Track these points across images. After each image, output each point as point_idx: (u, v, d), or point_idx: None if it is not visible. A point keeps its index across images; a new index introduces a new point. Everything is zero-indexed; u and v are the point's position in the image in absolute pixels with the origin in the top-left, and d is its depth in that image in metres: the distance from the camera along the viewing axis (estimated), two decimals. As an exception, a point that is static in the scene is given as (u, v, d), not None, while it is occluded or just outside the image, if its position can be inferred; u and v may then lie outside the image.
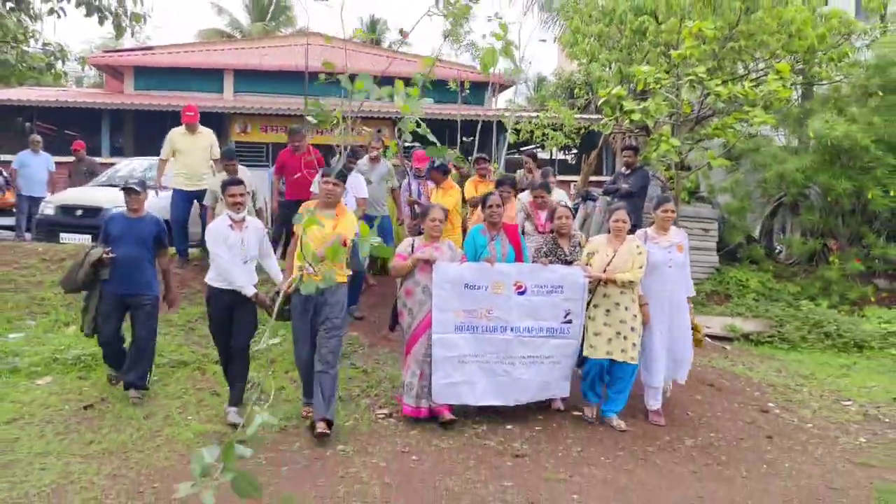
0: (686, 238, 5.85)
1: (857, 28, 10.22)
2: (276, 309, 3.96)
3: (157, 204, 7.31)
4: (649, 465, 4.89)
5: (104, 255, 5.34)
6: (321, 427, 4.89)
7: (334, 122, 5.14)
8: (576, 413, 5.67)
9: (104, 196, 9.05)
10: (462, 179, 9.28)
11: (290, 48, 20.63)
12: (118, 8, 10.60)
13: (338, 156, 7.33)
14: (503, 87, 20.04)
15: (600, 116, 9.45)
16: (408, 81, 4.11)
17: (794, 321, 8.80)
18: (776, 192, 11.12)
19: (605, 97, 8.28)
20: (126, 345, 5.67)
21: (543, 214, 6.49)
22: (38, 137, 11.23)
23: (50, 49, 11.71)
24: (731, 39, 9.29)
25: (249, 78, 20.01)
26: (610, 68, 10.58)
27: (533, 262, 5.69)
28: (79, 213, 9.09)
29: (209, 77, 19.90)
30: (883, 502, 4.41)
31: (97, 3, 10.42)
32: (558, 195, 7.49)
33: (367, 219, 6.89)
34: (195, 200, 8.20)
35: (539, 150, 14.33)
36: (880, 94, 9.73)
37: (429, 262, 5.30)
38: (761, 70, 9.78)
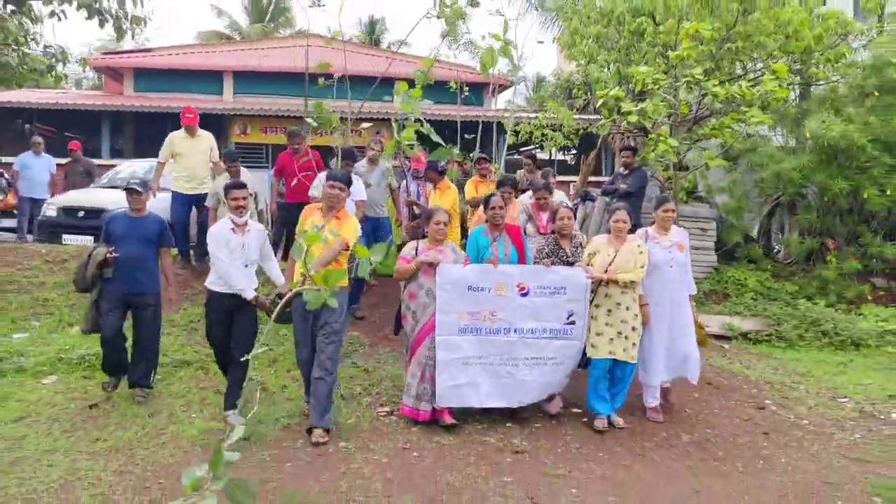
0: (687, 237, 5.88)
1: (855, 28, 10.30)
2: (276, 312, 4.00)
3: (156, 206, 7.35)
4: (647, 461, 4.96)
5: (108, 255, 5.37)
6: (316, 436, 4.91)
7: (334, 124, 5.21)
8: (574, 410, 5.73)
9: (106, 197, 9.12)
10: (465, 176, 9.35)
11: (289, 49, 20.69)
12: (119, 11, 10.68)
13: (336, 158, 7.36)
14: (502, 88, 20.12)
15: (599, 117, 9.52)
16: (410, 83, 4.18)
17: (791, 320, 8.85)
18: (773, 191, 11.18)
19: (602, 98, 8.36)
20: (127, 344, 5.67)
21: (545, 216, 6.52)
22: (40, 139, 11.30)
23: (51, 51, 11.81)
24: (729, 40, 9.37)
25: (249, 79, 20.09)
26: (608, 69, 10.65)
27: (535, 263, 5.71)
28: (81, 214, 9.17)
29: (209, 79, 19.97)
30: (876, 496, 4.48)
31: (98, 6, 10.51)
32: (558, 196, 7.53)
33: (367, 221, 6.98)
34: (194, 205, 8.21)
35: (538, 150, 14.41)
36: (876, 94, 9.80)
37: (432, 265, 5.31)
38: (759, 70, 9.85)
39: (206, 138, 8.28)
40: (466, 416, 5.47)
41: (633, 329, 5.44)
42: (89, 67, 19.25)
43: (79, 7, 10.37)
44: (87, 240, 8.65)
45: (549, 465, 4.80)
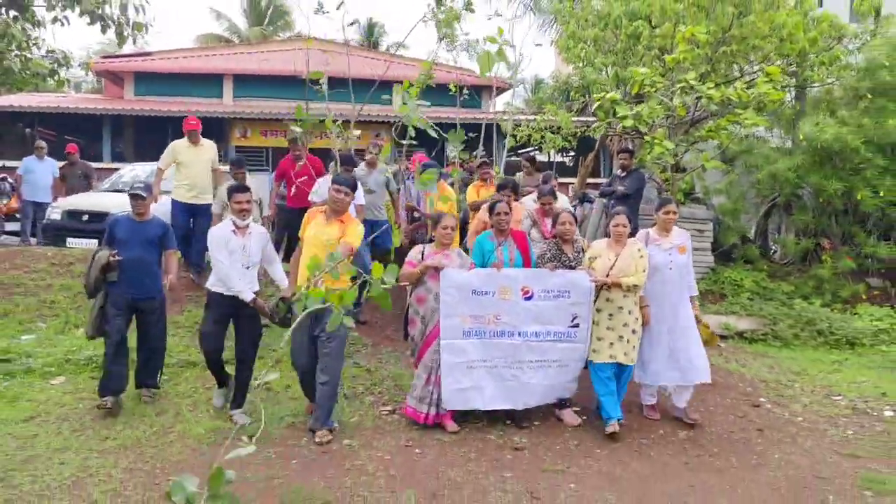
0: (689, 239, 5.89)
1: (849, 32, 10.44)
2: (275, 314, 4.12)
3: (158, 210, 7.38)
4: (643, 457, 5.08)
5: (111, 259, 5.36)
6: (320, 436, 5.01)
7: (322, 128, 5.29)
8: (573, 409, 5.84)
9: (110, 201, 9.23)
10: (469, 174, 9.45)
11: (289, 53, 20.82)
12: (120, 17, 10.81)
13: (334, 162, 7.45)
14: (501, 90, 20.25)
15: (596, 119, 9.63)
16: (410, 85, 4.29)
17: (787, 319, 8.97)
18: (770, 192, 11.32)
19: (599, 101, 8.49)
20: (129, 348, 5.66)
21: (550, 221, 6.53)
22: (43, 144, 11.41)
23: (54, 56, 11.93)
24: (724, 43, 9.49)
25: (249, 83, 20.19)
26: (606, 72, 10.78)
27: (537, 267, 5.72)
28: (85, 217, 9.29)
29: (209, 82, 20.07)
30: (867, 490, 4.60)
31: (100, 12, 10.64)
32: (562, 201, 7.55)
33: (366, 224, 7.10)
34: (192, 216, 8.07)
35: (537, 152, 14.53)
36: (869, 96, 9.93)
37: (439, 270, 5.36)
38: (755, 73, 9.98)
39: (209, 147, 8.28)
40: (467, 413, 5.56)
41: (634, 332, 5.48)
42: (92, 72, 19.35)
43: (81, 13, 10.51)
44: (92, 243, 8.77)
45: (548, 461, 4.92)
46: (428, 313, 5.41)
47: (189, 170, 8.03)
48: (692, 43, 8.33)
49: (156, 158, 11.94)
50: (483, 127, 9.79)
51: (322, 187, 7.00)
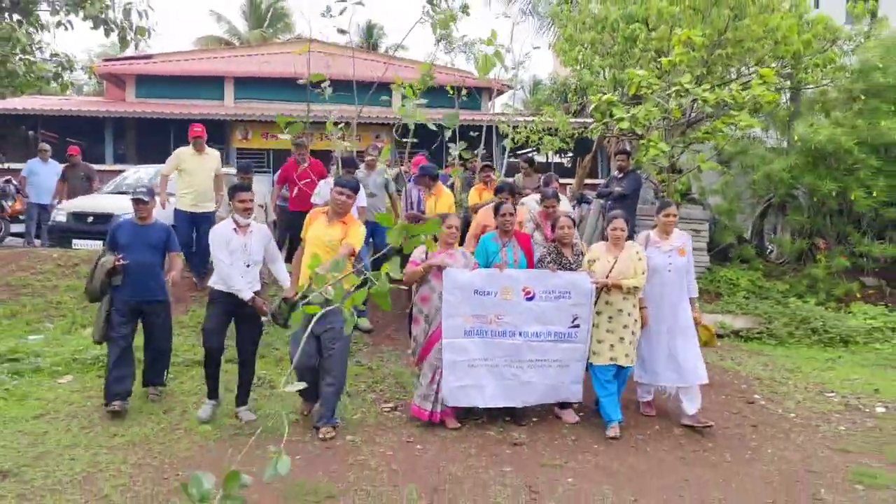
0: (689, 241, 5.92)
1: (843, 34, 10.59)
2: (278, 315, 4.15)
3: (161, 214, 7.43)
4: (640, 452, 5.20)
5: (116, 263, 5.38)
6: (324, 432, 5.12)
7: (321, 129, 5.35)
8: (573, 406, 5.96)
9: (114, 203, 9.36)
10: (471, 174, 9.54)
11: (289, 55, 20.93)
12: (124, 22, 10.91)
13: (336, 165, 7.56)
14: (500, 92, 20.36)
15: (593, 120, 9.75)
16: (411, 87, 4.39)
17: (782, 318, 9.10)
18: (765, 193, 11.46)
19: (596, 102, 8.62)
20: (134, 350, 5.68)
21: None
22: (47, 146, 11.51)
23: (58, 60, 12.03)
24: (720, 46, 9.63)
25: (250, 85, 20.31)
26: (603, 75, 10.90)
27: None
28: (90, 219, 9.41)
29: (210, 84, 20.20)
30: (858, 483, 4.72)
31: (104, 16, 10.75)
32: (564, 205, 7.60)
33: (366, 225, 7.22)
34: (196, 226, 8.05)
35: (535, 153, 14.66)
36: (863, 98, 10.06)
37: (442, 269, 5.42)
38: (750, 74, 10.10)
39: (213, 156, 8.29)
40: (467, 410, 5.67)
41: (633, 333, 5.55)
42: (95, 75, 19.45)
43: (85, 17, 10.62)
44: (96, 244, 8.88)
45: (546, 456, 5.03)
46: (432, 312, 5.49)
47: (192, 178, 8.03)
48: (688, 46, 8.47)
49: (157, 160, 12.02)
50: (484, 129, 9.92)
51: (324, 189, 7.12)
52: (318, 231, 5.27)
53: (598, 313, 5.59)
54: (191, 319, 7.49)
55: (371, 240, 7.55)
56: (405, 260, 5.56)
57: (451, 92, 9.83)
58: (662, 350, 5.72)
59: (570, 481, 4.65)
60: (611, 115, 8.10)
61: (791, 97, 11.60)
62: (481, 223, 6.70)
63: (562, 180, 15.48)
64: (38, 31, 11.72)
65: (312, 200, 7.30)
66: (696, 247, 10.58)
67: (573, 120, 12.05)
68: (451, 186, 9.02)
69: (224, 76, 20.36)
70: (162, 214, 7.10)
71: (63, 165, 11.24)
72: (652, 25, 10.01)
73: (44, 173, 11.05)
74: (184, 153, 8.17)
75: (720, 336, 8.78)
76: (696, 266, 10.45)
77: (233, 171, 11.05)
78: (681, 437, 5.53)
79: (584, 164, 12.87)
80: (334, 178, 6.26)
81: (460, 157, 7.89)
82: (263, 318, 5.55)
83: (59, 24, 11.06)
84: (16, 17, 11.36)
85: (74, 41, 40.95)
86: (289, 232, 8.57)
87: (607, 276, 5.50)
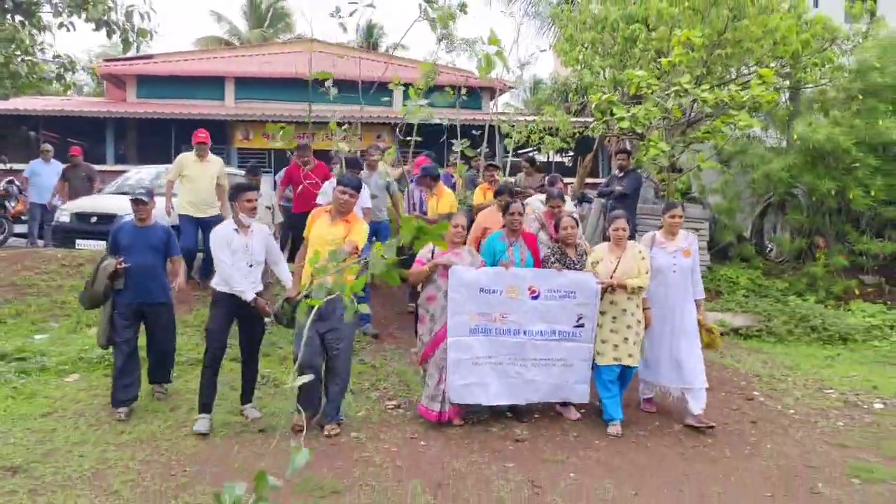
0: (695, 242, 5.94)
1: (841, 34, 10.65)
2: (281, 315, 4.15)
3: (167, 220, 7.46)
4: (640, 448, 5.26)
5: (118, 266, 5.40)
6: (328, 430, 5.18)
7: (299, 132, 5.39)
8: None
9: (117, 204, 9.39)
10: (475, 172, 9.58)
11: (290, 55, 21.02)
12: (126, 24, 10.97)
13: (339, 165, 7.60)
14: (502, 92, 20.44)
15: (594, 120, 9.82)
16: (407, 86, 4.45)
17: (781, 316, 9.16)
18: (764, 192, 11.52)
19: (596, 101, 8.69)
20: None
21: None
22: (50, 147, 11.57)
23: (60, 61, 12.09)
24: (719, 46, 9.70)
25: (250, 85, 20.35)
26: (603, 75, 10.97)
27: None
28: (94, 220, 9.46)
29: (210, 85, 20.23)
30: (855, 478, 4.79)
31: (106, 18, 10.81)
32: (568, 205, 7.62)
33: (371, 226, 7.27)
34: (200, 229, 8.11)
35: (535, 152, 14.72)
36: (860, 97, 10.13)
37: (448, 268, 5.44)
38: (750, 74, 10.17)
39: (215, 163, 8.31)
40: (469, 408, 5.73)
41: (637, 333, 5.58)
42: (97, 75, 19.50)
43: (87, 20, 10.68)
44: (100, 244, 8.93)
45: (548, 452, 5.10)
46: (438, 311, 5.51)
47: (193, 184, 8.07)
48: (687, 46, 8.54)
49: (158, 161, 12.07)
50: (486, 127, 9.96)
51: (329, 190, 7.16)
52: (321, 230, 5.31)
53: (602, 313, 5.62)
54: (195, 319, 7.56)
55: (374, 238, 7.61)
56: (412, 259, 5.61)
57: (451, 92, 9.89)
58: (665, 351, 5.76)
59: (572, 476, 4.71)
60: (611, 114, 8.16)
61: (790, 97, 11.66)
62: (482, 225, 6.73)
63: (563, 180, 15.57)
64: (40, 32, 11.79)
65: (318, 201, 7.35)
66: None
67: (574, 119, 12.10)
68: (454, 186, 9.07)
69: (225, 76, 20.40)
70: (167, 220, 7.15)
71: (64, 166, 11.30)
72: (652, 26, 10.07)
73: (46, 174, 11.11)
74: (186, 159, 8.20)
75: (720, 334, 8.86)
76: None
77: (233, 170, 11.11)
78: (680, 433, 5.60)
79: (585, 163, 12.93)
80: (337, 178, 6.31)
81: (463, 154, 7.92)
82: (266, 319, 5.57)
83: (61, 25, 11.12)
84: (18, 18, 11.42)
85: (73, 41, 40.99)
86: (291, 232, 8.63)
87: (611, 277, 5.54)
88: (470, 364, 5.47)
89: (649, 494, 4.48)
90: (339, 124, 7.05)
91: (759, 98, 7.84)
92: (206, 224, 7.94)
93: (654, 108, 7.93)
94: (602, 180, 12.68)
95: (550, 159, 19.67)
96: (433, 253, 5.57)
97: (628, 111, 7.83)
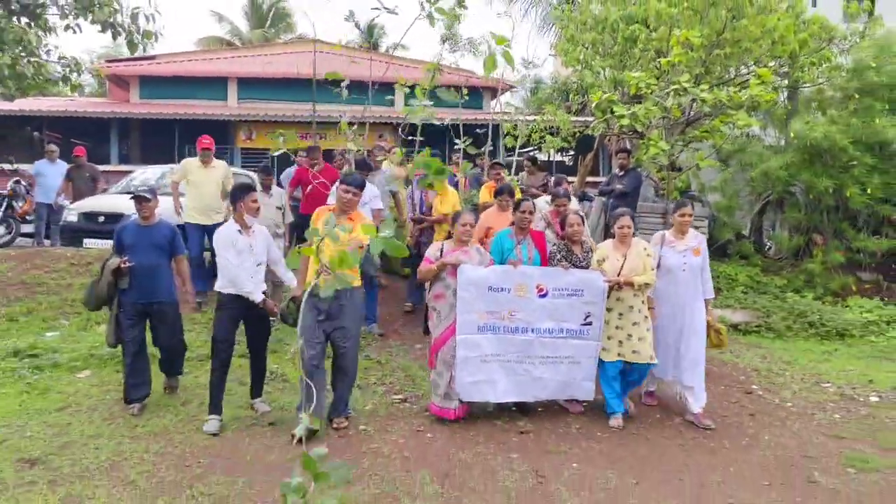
0: (704, 241, 5.97)
1: (838, 33, 10.77)
2: (287, 315, 4.20)
3: (174, 220, 7.49)
4: (641, 440, 5.39)
5: (122, 265, 5.43)
6: (337, 423, 5.30)
7: (296, 140, 5.50)
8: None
9: (125, 203, 9.51)
10: (480, 171, 9.70)
11: (292, 55, 21.13)
12: (131, 26, 11.12)
13: (348, 166, 7.71)
14: (502, 91, 20.54)
15: (594, 119, 9.93)
16: (412, 87, 4.58)
17: (780, 312, 9.29)
18: (763, 190, 11.65)
19: (597, 100, 8.80)
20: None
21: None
22: (55, 148, 11.70)
23: (66, 62, 12.24)
24: (718, 46, 9.81)
25: (253, 85, 20.49)
26: (604, 75, 11.08)
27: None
28: (101, 219, 9.59)
29: (213, 85, 20.39)
30: (851, 467, 4.92)
31: (112, 20, 10.96)
32: (573, 203, 7.72)
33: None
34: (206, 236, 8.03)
35: (537, 151, 14.83)
36: (857, 96, 10.25)
37: (456, 267, 5.48)
38: (749, 73, 10.29)
39: (220, 168, 8.30)
40: (474, 401, 5.85)
41: (647, 329, 5.62)
42: (101, 76, 19.61)
43: (93, 22, 10.82)
44: (108, 243, 9.01)
45: (551, 443, 5.23)
46: (445, 309, 5.56)
47: (198, 190, 8.05)
48: (687, 46, 8.65)
49: (162, 161, 12.17)
50: (490, 126, 10.10)
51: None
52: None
53: (608, 310, 5.68)
54: (203, 316, 7.68)
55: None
56: (419, 259, 5.70)
57: (456, 93, 9.99)
58: (672, 349, 5.85)
59: (575, 466, 4.84)
60: (612, 113, 8.28)
61: (788, 96, 11.78)
62: (485, 225, 6.83)
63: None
64: (46, 34, 11.93)
65: (328, 202, 7.45)
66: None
67: (574, 119, 12.23)
68: (457, 185, 9.18)
69: (227, 76, 20.54)
70: (175, 220, 7.17)
71: (68, 166, 11.42)
72: (651, 26, 10.18)
73: (51, 174, 11.22)
74: (191, 164, 8.21)
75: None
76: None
77: (237, 170, 11.23)
78: (681, 425, 5.73)
79: (586, 162, 13.06)
80: (341, 177, 6.42)
81: (465, 153, 8.03)
82: (272, 318, 5.66)
83: (67, 27, 11.27)
84: (24, 20, 11.56)
85: (76, 42, 41.01)
86: (296, 231, 8.74)
87: (619, 274, 5.61)
88: (478, 361, 5.54)
89: (650, 484, 4.61)
90: (350, 124, 7.16)
91: (757, 97, 7.95)
92: (213, 231, 8.00)
93: (654, 107, 8.04)
94: (602, 179, 12.80)
95: (551, 158, 19.78)
96: (442, 251, 5.64)
97: (629, 110, 7.95)
